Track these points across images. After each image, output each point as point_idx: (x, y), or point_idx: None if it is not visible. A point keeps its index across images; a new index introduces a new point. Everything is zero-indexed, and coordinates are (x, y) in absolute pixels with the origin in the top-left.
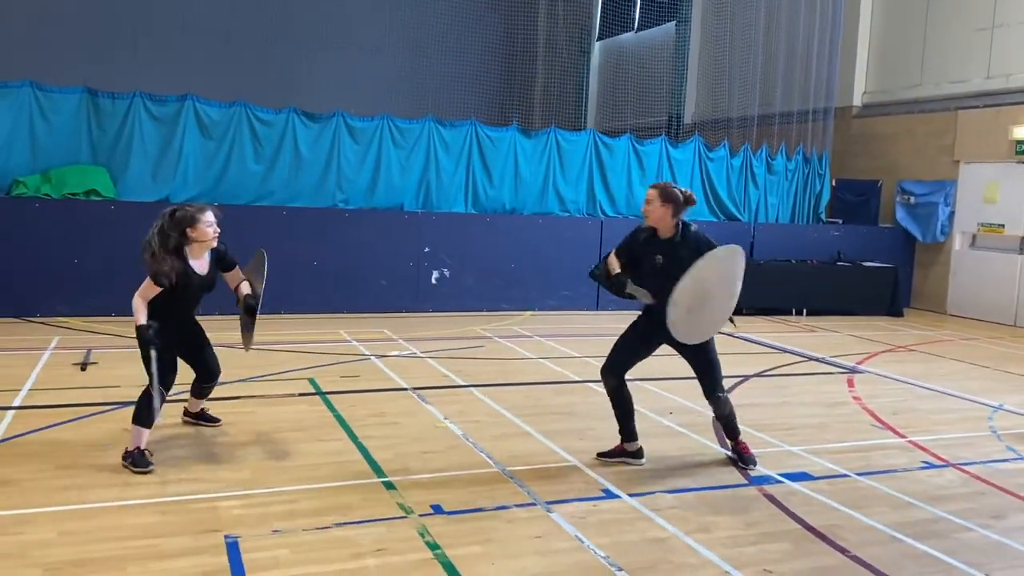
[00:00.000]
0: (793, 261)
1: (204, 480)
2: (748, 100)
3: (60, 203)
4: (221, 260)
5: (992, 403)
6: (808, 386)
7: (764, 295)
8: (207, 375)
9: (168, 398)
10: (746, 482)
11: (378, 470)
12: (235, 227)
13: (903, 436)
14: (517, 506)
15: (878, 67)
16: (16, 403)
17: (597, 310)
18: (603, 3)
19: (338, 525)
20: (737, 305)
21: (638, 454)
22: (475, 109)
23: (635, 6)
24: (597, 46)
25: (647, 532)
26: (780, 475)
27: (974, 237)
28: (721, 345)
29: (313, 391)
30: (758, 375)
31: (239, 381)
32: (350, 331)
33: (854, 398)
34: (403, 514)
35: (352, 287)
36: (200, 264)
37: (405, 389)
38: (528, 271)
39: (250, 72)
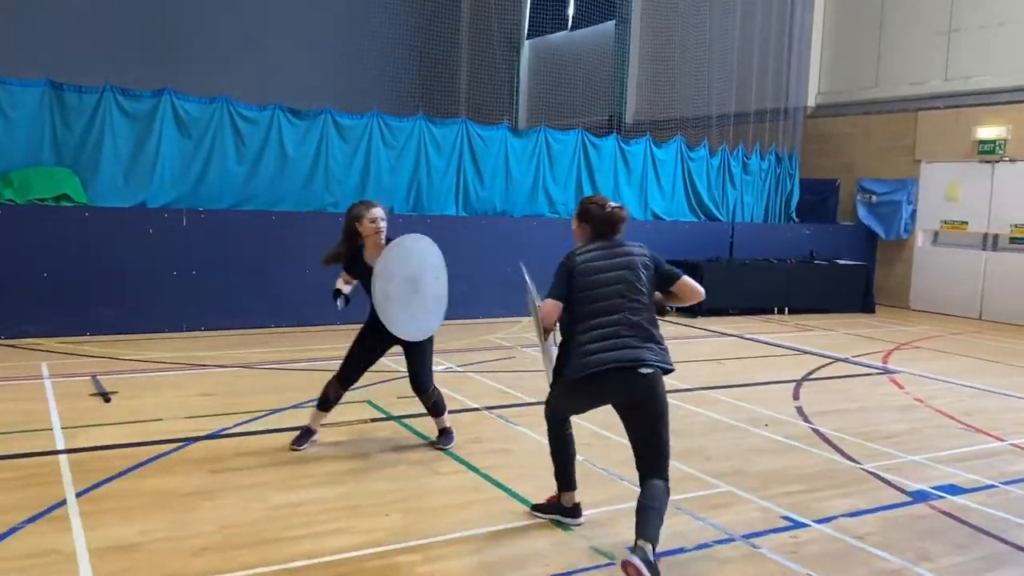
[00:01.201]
0: (774, 260)
1: (357, 531)
2: (696, 100)
3: (26, 210)
4: None
5: None
6: (863, 389)
7: (748, 295)
8: (412, 384)
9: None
10: (909, 499)
11: (530, 506)
12: (217, 233)
13: (1001, 439)
14: (716, 543)
15: (832, 69)
16: (61, 445)
17: None
18: (533, 2)
19: None
20: (723, 305)
21: (575, 512)
22: (391, 101)
23: (568, 5)
24: (527, 44)
25: (874, 564)
26: (933, 488)
27: (936, 234)
28: (737, 349)
29: (382, 415)
30: (806, 379)
31: (292, 408)
32: None
33: (916, 399)
34: (605, 560)
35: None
36: (372, 257)
37: (478, 409)
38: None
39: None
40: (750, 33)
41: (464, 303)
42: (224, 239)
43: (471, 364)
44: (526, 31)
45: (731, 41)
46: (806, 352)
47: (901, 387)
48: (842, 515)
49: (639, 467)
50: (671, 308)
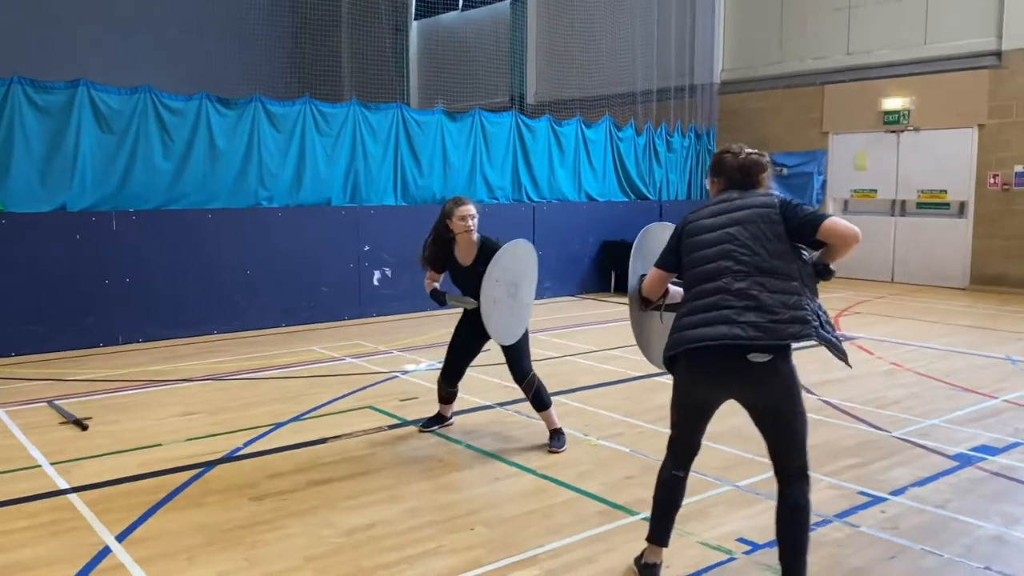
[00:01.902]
0: None
1: (453, 550)
2: (601, 79)
3: None
4: (488, 253)
5: (999, 355)
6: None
7: None
8: (512, 372)
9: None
10: (956, 463)
11: (614, 505)
12: (150, 236)
13: (994, 397)
14: (817, 526)
15: (738, 46)
16: (64, 484)
17: (536, 299)
18: None
19: None
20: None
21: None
22: (272, 84)
23: None
24: (415, 25)
25: (974, 532)
26: (970, 450)
27: (846, 203)
28: None
29: (397, 421)
30: None
31: (293, 420)
32: (324, 346)
33: (894, 364)
34: (724, 556)
35: (290, 296)
36: (465, 255)
37: (492, 407)
38: None
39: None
40: (654, 11)
41: (416, 296)
42: (159, 242)
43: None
44: (413, 11)
45: (635, 19)
46: None
47: (871, 353)
48: (911, 485)
49: (772, 461)
50: (831, 268)
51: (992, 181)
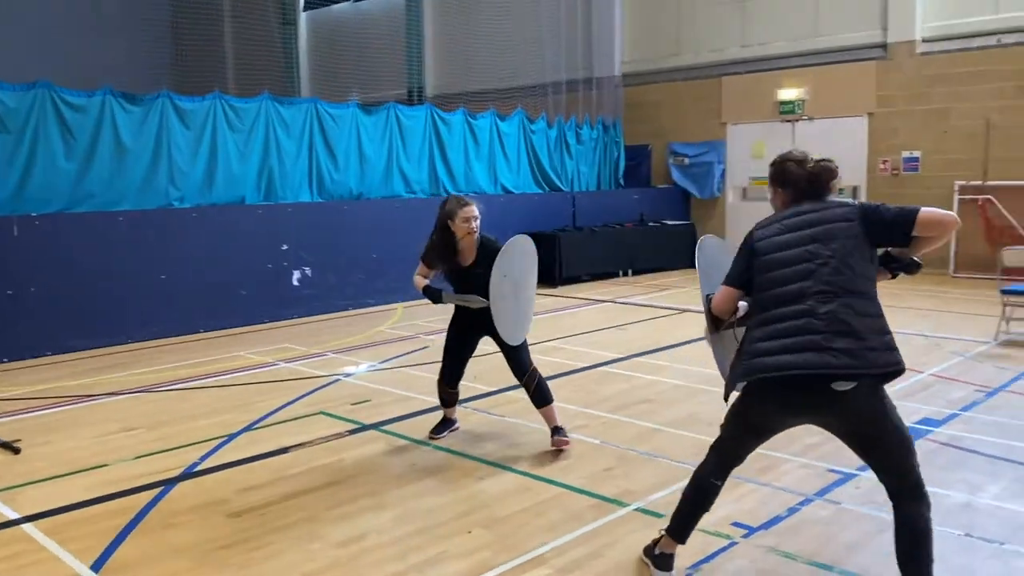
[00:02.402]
0: (615, 226)
1: (457, 555)
2: (500, 71)
3: None
4: (489, 255)
5: (913, 331)
6: None
7: (598, 261)
8: (513, 369)
9: None
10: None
11: (603, 498)
12: (57, 242)
13: (920, 371)
14: (800, 505)
15: (636, 39)
16: (12, 514)
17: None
18: None
19: (693, 567)
20: (577, 272)
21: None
22: (144, 78)
23: None
24: (304, 16)
25: (943, 502)
26: (916, 424)
27: (744, 190)
28: (621, 314)
29: (356, 426)
30: None
31: (246, 430)
32: (252, 351)
33: None
34: (727, 541)
35: (207, 300)
36: (465, 256)
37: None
38: (389, 260)
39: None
40: (553, 3)
41: (337, 295)
42: (66, 248)
43: (391, 359)
44: (303, 2)
45: (537, 11)
46: (684, 310)
47: None
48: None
49: (884, 484)
50: (918, 261)
51: (882, 167)
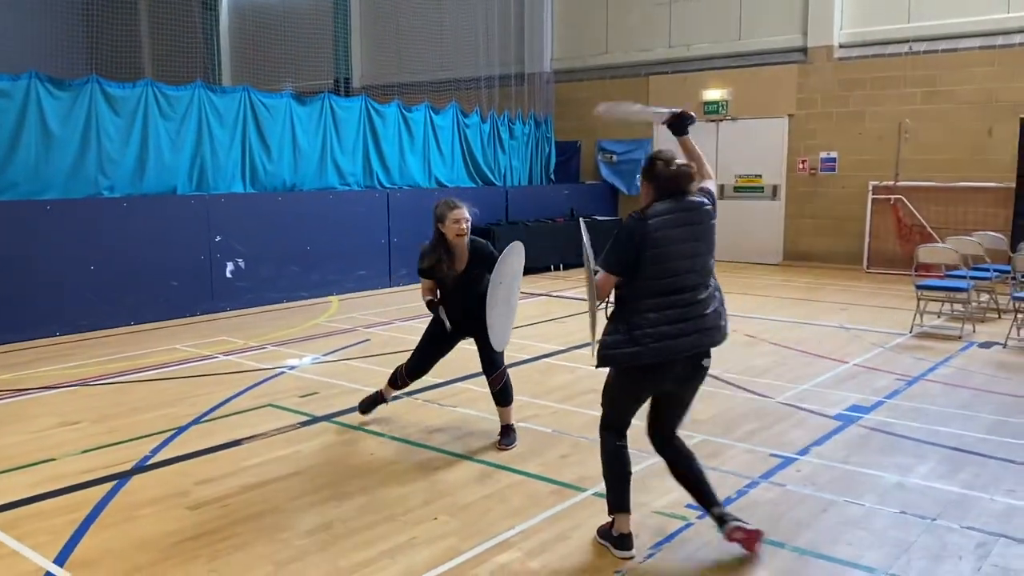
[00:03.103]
0: (551, 221)
1: (427, 541)
2: (431, 63)
3: None
4: (481, 258)
5: (833, 324)
6: None
7: (530, 254)
8: (484, 365)
9: None
10: (839, 423)
11: (562, 483)
12: None
13: (845, 361)
14: (747, 488)
15: (566, 37)
16: None
17: (392, 287)
18: None
19: (655, 547)
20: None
21: (624, 543)
22: (57, 62)
23: None
24: (224, 2)
25: (878, 482)
26: (845, 411)
27: None
28: (557, 307)
29: (307, 418)
30: None
31: (194, 423)
32: (187, 344)
33: (748, 335)
34: (683, 522)
35: (139, 291)
36: (458, 261)
37: (400, 397)
38: (323, 253)
39: None
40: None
41: (271, 287)
42: None
43: (334, 352)
44: None
45: (469, 4)
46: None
47: None
48: (811, 445)
49: (661, 431)
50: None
51: (801, 166)
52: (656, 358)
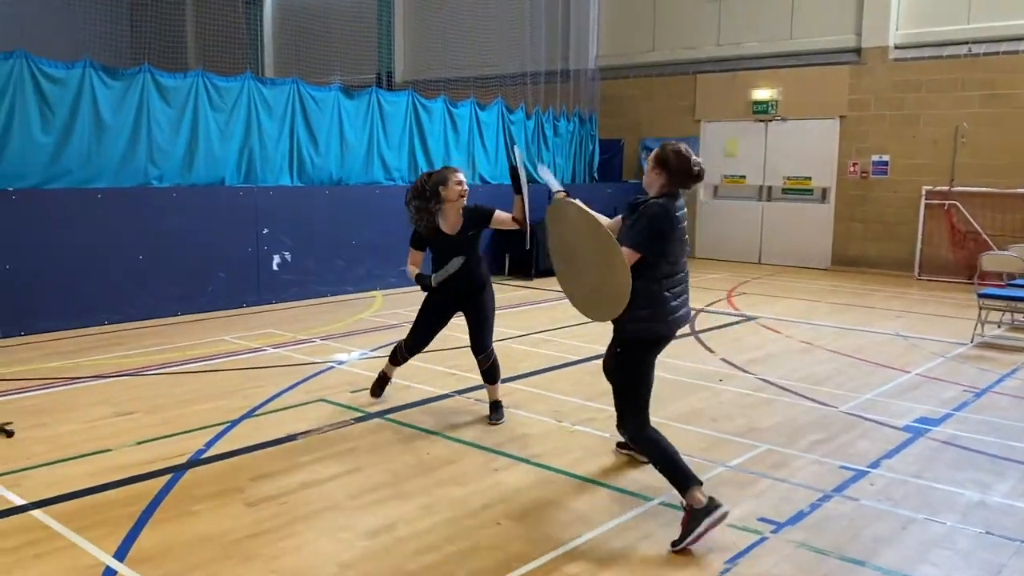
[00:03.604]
0: None
1: (492, 549)
2: (473, 59)
3: None
4: (473, 217)
5: (888, 331)
6: (752, 336)
7: None
8: (474, 344)
9: None
10: (908, 435)
11: (624, 491)
12: (33, 218)
13: (906, 371)
14: (820, 501)
15: (611, 34)
16: (17, 499)
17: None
18: None
19: (730, 562)
20: (549, 265)
21: (713, 507)
22: (105, 52)
23: None
24: None
25: (956, 499)
26: (913, 423)
27: (716, 188)
28: None
29: (360, 414)
30: (696, 332)
31: (247, 417)
32: (235, 336)
33: (804, 343)
34: (757, 536)
35: (186, 282)
36: (451, 225)
37: (450, 395)
38: (368, 248)
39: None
40: None
41: (317, 281)
42: (43, 224)
43: (381, 347)
44: None
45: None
46: None
47: (779, 332)
48: (882, 458)
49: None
50: None
51: (852, 169)
52: (671, 330)
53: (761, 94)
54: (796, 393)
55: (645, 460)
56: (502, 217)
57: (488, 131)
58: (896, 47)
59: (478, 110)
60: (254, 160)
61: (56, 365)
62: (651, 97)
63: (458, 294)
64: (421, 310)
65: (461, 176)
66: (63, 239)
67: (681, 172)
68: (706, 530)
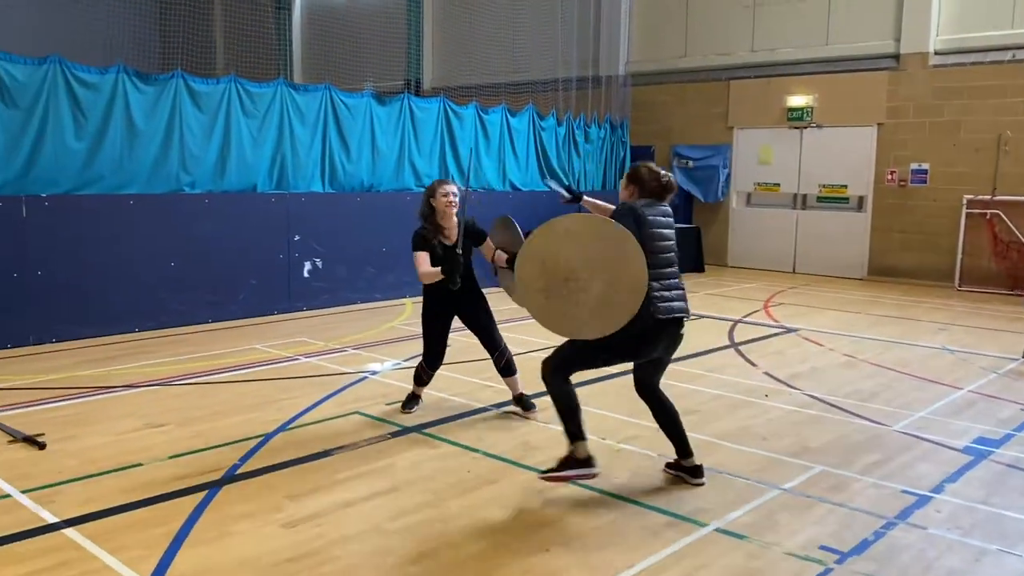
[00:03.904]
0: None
1: (552, 573)
2: (504, 65)
3: None
4: (469, 232)
5: (934, 345)
6: (795, 349)
7: None
8: (487, 344)
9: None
10: (970, 457)
11: (679, 516)
12: (66, 224)
13: (958, 387)
14: (884, 529)
15: (642, 39)
16: (50, 516)
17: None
18: None
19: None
20: None
21: (590, 462)
22: (135, 56)
23: None
24: (298, 2)
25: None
26: (973, 444)
27: (749, 196)
28: None
29: (397, 428)
30: (736, 344)
31: (281, 430)
32: (267, 344)
33: (847, 355)
34: (821, 567)
35: (217, 289)
36: (450, 234)
37: (488, 409)
38: (398, 255)
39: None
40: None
41: (347, 288)
42: (75, 231)
43: (413, 357)
44: None
45: (540, 7)
46: (701, 316)
47: (821, 344)
48: (944, 482)
49: (654, 386)
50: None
51: (890, 178)
52: (665, 316)
53: (796, 101)
54: (845, 410)
55: (697, 482)
56: (487, 245)
57: (519, 138)
58: (936, 53)
59: (509, 116)
60: (286, 166)
61: (87, 374)
62: (683, 103)
63: (453, 295)
64: (424, 323)
65: (448, 188)
66: (95, 245)
67: (651, 182)
68: (575, 477)
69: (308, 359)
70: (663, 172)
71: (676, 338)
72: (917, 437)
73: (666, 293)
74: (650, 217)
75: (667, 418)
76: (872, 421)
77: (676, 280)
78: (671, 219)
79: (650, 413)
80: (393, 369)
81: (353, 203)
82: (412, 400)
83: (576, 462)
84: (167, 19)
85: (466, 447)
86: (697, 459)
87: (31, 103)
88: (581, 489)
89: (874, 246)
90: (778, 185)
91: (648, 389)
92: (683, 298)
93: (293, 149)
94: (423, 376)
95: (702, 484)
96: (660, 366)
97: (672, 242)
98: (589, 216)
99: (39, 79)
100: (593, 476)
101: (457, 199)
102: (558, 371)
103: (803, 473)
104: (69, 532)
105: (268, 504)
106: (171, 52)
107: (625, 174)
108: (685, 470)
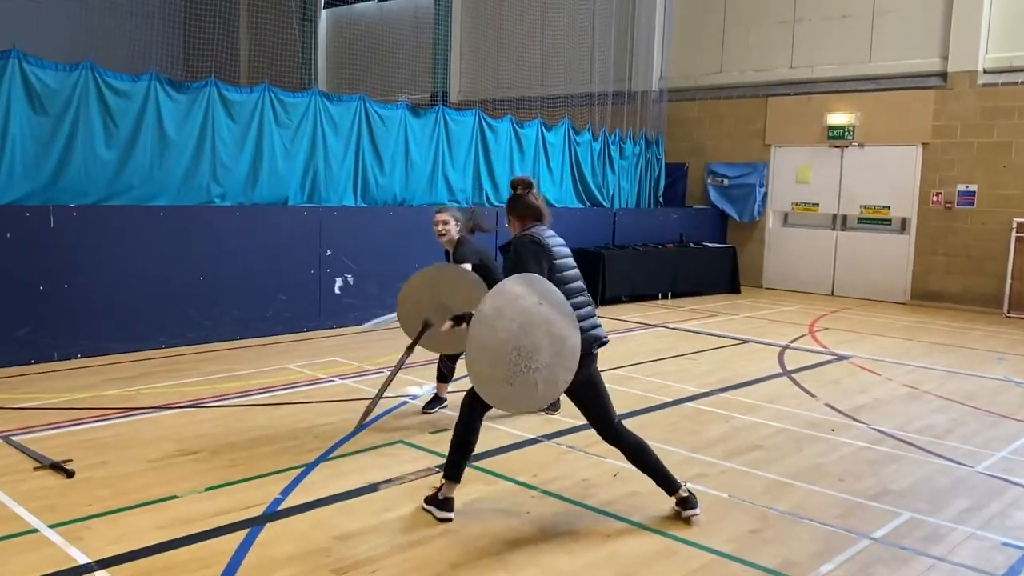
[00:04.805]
0: (657, 246)
1: None
2: (536, 79)
3: None
4: (456, 254)
5: (998, 376)
6: (851, 378)
7: (640, 281)
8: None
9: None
10: None
11: (761, 568)
12: (95, 235)
13: None
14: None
15: (678, 55)
16: (81, 557)
17: None
18: None
19: None
20: (619, 292)
21: (448, 505)
22: (162, 65)
23: None
24: (324, 14)
25: None
26: None
27: (786, 215)
28: (680, 341)
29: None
30: (789, 372)
31: (322, 460)
32: (299, 364)
33: (907, 386)
34: None
35: (247, 305)
36: (452, 253)
37: (539, 440)
38: None
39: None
40: (590, 15)
41: (378, 305)
42: (105, 242)
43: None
44: (323, 0)
45: (572, 21)
46: (746, 340)
47: (878, 374)
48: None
49: (614, 428)
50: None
51: (935, 199)
52: (591, 345)
53: (837, 119)
54: (921, 448)
55: (689, 514)
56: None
57: (554, 152)
58: (986, 71)
59: (544, 130)
60: (318, 179)
61: (115, 393)
62: (719, 120)
63: None
64: None
65: (438, 216)
66: (122, 258)
67: (536, 203)
68: (436, 516)
69: (343, 380)
70: (539, 194)
71: (594, 361)
72: (1006, 481)
73: (586, 322)
74: (554, 248)
75: (641, 456)
76: (952, 461)
77: (592, 307)
78: (560, 239)
79: (712, 448)
80: (432, 393)
81: (386, 217)
82: (435, 401)
83: (442, 501)
84: (191, 28)
85: (523, 484)
86: (683, 491)
87: (61, 110)
88: (654, 535)
89: (917, 269)
90: (817, 205)
91: (610, 433)
92: (599, 323)
93: (326, 161)
94: (442, 369)
95: (696, 515)
96: (589, 392)
97: (575, 267)
98: (499, 290)
99: (70, 86)
100: (445, 521)
101: (448, 226)
102: (477, 405)
103: (891, 520)
104: (101, 574)
105: (315, 544)
106: (194, 61)
107: (508, 202)
108: (678, 504)
